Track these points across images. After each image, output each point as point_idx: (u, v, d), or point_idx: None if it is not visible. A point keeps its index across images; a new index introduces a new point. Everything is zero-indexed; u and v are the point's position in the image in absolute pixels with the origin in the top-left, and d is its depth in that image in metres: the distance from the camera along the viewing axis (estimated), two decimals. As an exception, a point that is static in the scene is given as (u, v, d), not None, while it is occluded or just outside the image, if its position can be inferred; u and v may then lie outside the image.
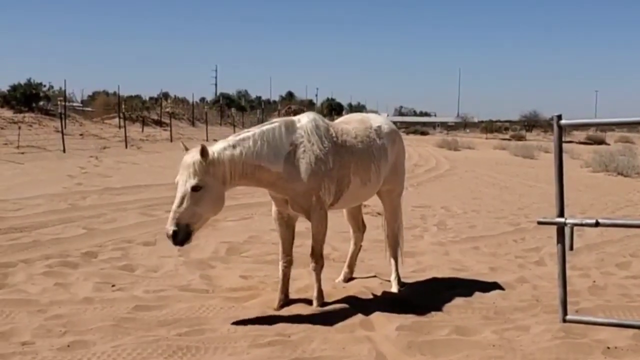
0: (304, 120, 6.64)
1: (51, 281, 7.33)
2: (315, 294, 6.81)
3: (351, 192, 6.93)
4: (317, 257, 6.76)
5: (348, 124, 7.24)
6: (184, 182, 5.71)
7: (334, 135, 6.73)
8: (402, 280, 7.92)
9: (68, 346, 5.41)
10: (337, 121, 7.48)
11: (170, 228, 5.61)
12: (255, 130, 6.35)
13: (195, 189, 5.68)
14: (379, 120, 7.67)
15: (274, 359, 5.29)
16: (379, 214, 13.32)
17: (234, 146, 6.13)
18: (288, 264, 6.87)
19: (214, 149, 6.04)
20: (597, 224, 5.34)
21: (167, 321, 6.18)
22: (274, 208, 6.88)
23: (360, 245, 8.11)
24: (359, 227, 8.07)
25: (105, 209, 12.37)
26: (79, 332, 5.74)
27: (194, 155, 5.79)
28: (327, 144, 6.54)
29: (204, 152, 5.78)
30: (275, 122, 6.50)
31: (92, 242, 9.37)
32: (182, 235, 5.66)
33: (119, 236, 9.93)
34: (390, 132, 7.58)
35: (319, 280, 6.82)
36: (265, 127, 6.39)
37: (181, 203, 5.67)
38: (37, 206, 12.21)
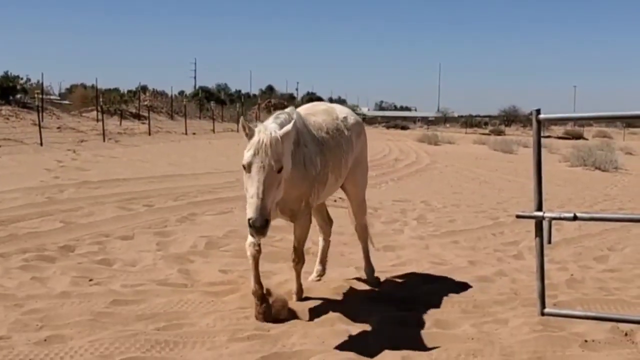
0: (294, 116, 6.20)
1: (28, 275, 7.23)
2: (295, 288, 6.76)
3: (326, 190, 6.83)
4: (300, 255, 6.60)
5: (315, 116, 6.93)
6: (265, 164, 5.11)
7: (314, 133, 6.52)
8: (381, 273, 7.93)
9: (45, 340, 5.34)
10: (302, 112, 6.86)
11: (262, 218, 4.99)
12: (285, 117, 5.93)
13: (280, 170, 5.21)
14: (344, 111, 7.49)
15: (253, 353, 5.26)
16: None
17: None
18: (259, 251, 6.18)
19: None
20: (575, 218, 5.36)
21: (145, 315, 6.13)
22: None
23: (329, 240, 7.89)
24: (326, 221, 7.87)
25: (82, 202, 12.23)
26: (55, 327, 5.68)
27: (272, 134, 5.25)
28: (313, 144, 6.34)
29: (287, 133, 5.40)
30: (286, 115, 6.05)
31: (69, 236, 9.27)
32: (268, 225, 5.11)
33: (96, 230, 9.83)
34: (355, 123, 7.41)
35: (299, 277, 6.76)
36: (282, 117, 5.95)
37: (265, 188, 5.07)
38: (13, 200, 12.06)
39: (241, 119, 5.48)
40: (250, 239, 5.90)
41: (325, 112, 7.17)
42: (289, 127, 5.43)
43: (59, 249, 8.48)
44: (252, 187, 5.09)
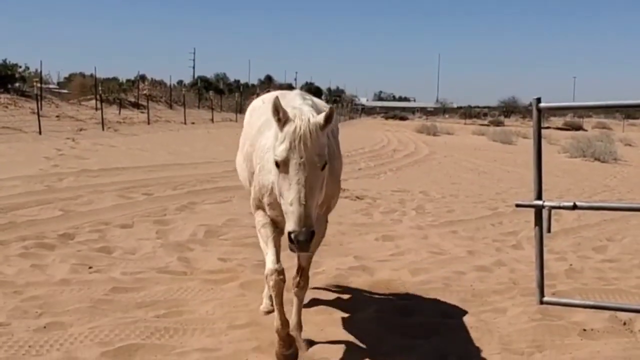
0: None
1: (27, 263, 7.24)
2: (294, 321, 5.31)
3: None
4: (307, 278, 5.36)
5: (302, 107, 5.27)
6: (306, 159, 4.06)
7: None
8: (379, 262, 7.97)
9: (44, 327, 5.36)
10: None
11: (307, 230, 3.96)
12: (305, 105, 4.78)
13: (324, 167, 4.20)
14: (317, 100, 6.11)
15: (253, 341, 5.28)
16: (357, 197, 13.36)
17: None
18: (284, 275, 4.86)
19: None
20: (574, 207, 5.34)
21: (145, 303, 6.15)
22: (261, 216, 5.11)
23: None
24: None
25: (82, 191, 12.23)
26: (55, 314, 5.69)
27: (311, 120, 4.21)
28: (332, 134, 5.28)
29: (330, 117, 4.25)
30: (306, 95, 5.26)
31: (68, 224, 9.27)
32: (314, 237, 4.06)
33: (96, 218, 9.83)
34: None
35: (301, 306, 5.43)
36: (307, 97, 5.19)
37: (308, 190, 4.02)
38: (13, 187, 12.05)
39: (274, 98, 4.23)
40: (270, 265, 4.83)
41: (305, 100, 5.52)
42: (328, 111, 4.29)
43: (58, 237, 8.48)
44: (290, 190, 4.04)
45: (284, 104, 4.32)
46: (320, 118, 4.23)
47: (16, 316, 5.58)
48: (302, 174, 4.03)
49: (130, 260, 7.71)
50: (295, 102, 4.78)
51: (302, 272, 5.31)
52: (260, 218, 5.07)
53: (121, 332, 5.34)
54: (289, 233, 3.96)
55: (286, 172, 4.08)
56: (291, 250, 4.06)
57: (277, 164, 4.13)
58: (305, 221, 3.95)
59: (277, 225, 4.99)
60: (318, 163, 4.10)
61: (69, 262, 7.35)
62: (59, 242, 8.27)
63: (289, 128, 4.14)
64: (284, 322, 4.93)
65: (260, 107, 5.88)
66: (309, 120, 4.18)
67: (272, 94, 5.79)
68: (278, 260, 4.86)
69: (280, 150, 4.12)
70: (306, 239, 3.96)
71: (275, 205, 4.62)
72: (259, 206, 5.05)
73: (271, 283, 4.80)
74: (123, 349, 5.01)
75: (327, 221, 5.37)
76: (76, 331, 5.32)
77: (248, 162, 5.34)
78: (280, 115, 4.19)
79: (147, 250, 8.20)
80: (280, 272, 4.79)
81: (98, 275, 6.97)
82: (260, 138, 5.09)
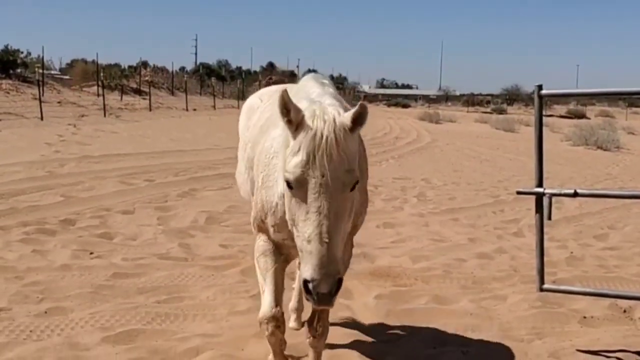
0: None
1: (28, 248, 7.25)
2: None
3: None
4: (327, 323, 4.15)
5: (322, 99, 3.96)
6: (330, 178, 2.96)
7: None
8: (380, 250, 7.98)
9: (45, 312, 5.38)
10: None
11: (332, 278, 2.94)
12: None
13: (354, 187, 3.11)
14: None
15: (253, 326, 5.27)
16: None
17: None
18: (282, 323, 3.88)
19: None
20: (575, 194, 5.35)
21: (146, 289, 6.16)
22: (263, 241, 4.01)
23: None
24: None
25: (83, 177, 12.23)
26: (56, 299, 5.71)
27: (343, 123, 3.08)
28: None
29: (362, 116, 3.10)
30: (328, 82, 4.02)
31: (70, 210, 9.28)
32: (340, 289, 3.03)
33: (97, 204, 9.83)
34: None
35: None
36: (328, 84, 3.94)
37: (333, 222, 2.97)
38: (14, 173, 12.06)
39: (282, 91, 3.07)
40: (266, 309, 3.81)
41: (330, 85, 4.29)
42: (358, 108, 3.08)
43: (59, 223, 8.49)
44: (308, 222, 2.96)
45: (294, 96, 3.27)
46: (348, 119, 3.08)
47: (17, 301, 5.60)
48: (325, 200, 2.94)
49: (131, 246, 7.72)
50: (312, 92, 3.59)
51: (320, 316, 4.05)
52: (261, 243, 3.98)
53: (122, 318, 5.36)
54: (306, 282, 2.92)
55: (302, 195, 2.99)
56: (308, 301, 3.04)
57: (289, 184, 3.04)
58: (329, 267, 2.90)
59: (281, 252, 3.93)
60: (347, 183, 3.01)
61: (70, 248, 7.36)
62: (60, 227, 8.28)
63: (305, 134, 3.02)
64: None
65: (259, 106, 4.88)
66: (334, 120, 3.04)
67: (271, 89, 5.05)
68: (278, 302, 3.82)
69: (293, 166, 3.00)
70: (330, 291, 2.92)
71: (283, 226, 3.53)
72: (261, 228, 3.94)
73: (266, 333, 3.83)
74: (124, 334, 5.03)
75: (352, 245, 4.26)
76: (77, 316, 5.34)
77: (250, 171, 4.31)
78: (292, 115, 3.06)
79: (148, 236, 8.21)
80: (279, 318, 3.79)
81: (99, 261, 6.98)
82: (263, 139, 4.01)
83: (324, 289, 2.90)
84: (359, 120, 3.09)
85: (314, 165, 2.96)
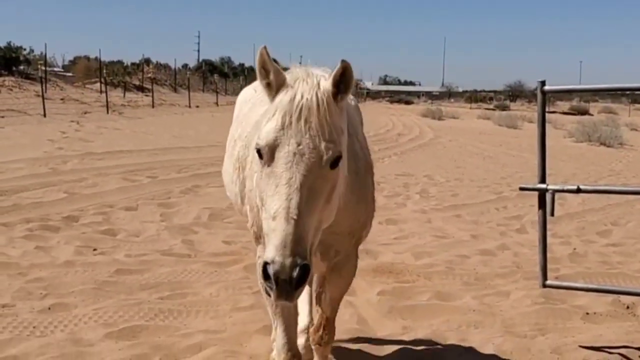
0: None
1: (32, 244, 7.27)
2: None
3: None
4: (333, 329, 4.01)
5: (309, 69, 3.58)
6: (306, 147, 2.60)
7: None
8: (383, 246, 7.98)
9: (49, 309, 5.39)
10: None
11: (293, 260, 2.43)
12: None
13: (335, 163, 2.68)
14: None
15: (256, 322, 5.30)
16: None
17: None
18: (299, 358, 3.56)
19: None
20: (578, 190, 5.35)
21: (149, 285, 6.17)
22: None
23: None
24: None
25: (86, 173, 12.26)
26: (59, 295, 5.72)
27: (327, 88, 2.73)
28: (361, 135, 3.90)
29: (346, 78, 2.74)
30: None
31: (73, 207, 9.29)
32: (307, 277, 2.51)
33: (100, 201, 9.85)
34: None
35: None
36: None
37: (305, 197, 2.54)
38: (17, 170, 12.08)
39: (261, 48, 2.72)
40: (282, 350, 3.48)
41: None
42: (340, 68, 2.72)
43: (62, 219, 8.50)
44: (276, 195, 2.55)
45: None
46: (328, 83, 2.74)
47: (21, 297, 5.62)
48: (298, 172, 2.54)
49: (134, 242, 7.73)
50: (301, 67, 3.04)
51: (326, 321, 3.88)
52: (261, 261, 3.20)
53: (125, 314, 5.37)
54: (265, 264, 2.45)
55: (273, 167, 2.61)
56: (266, 292, 2.57)
57: (260, 153, 2.66)
58: (293, 246, 2.43)
59: None
60: (325, 154, 2.60)
61: (74, 244, 7.38)
62: (64, 224, 8.29)
63: (283, 96, 2.70)
64: None
65: (252, 97, 4.40)
66: (318, 84, 2.72)
67: None
68: (292, 343, 3.47)
69: (266, 131, 2.65)
70: (291, 278, 2.42)
71: None
72: (259, 237, 3.36)
73: None
74: (127, 330, 5.04)
75: (357, 257, 3.82)
76: (80, 312, 5.35)
77: (240, 173, 3.78)
78: (272, 77, 2.76)
79: (151, 232, 8.22)
80: (296, 354, 3.45)
81: (102, 258, 6.99)
82: (255, 135, 3.32)
83: (284, 274, 2.40)
84: (342, 81, 2.71)
85: (289, 130, 2.61)
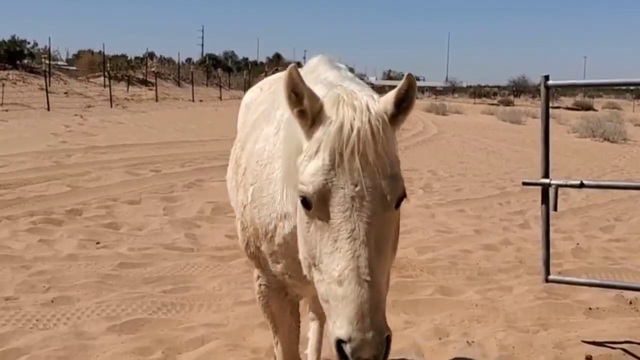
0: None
1: (35, 238, 7.29)
2: None
3: None
4: None
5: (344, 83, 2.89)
6: (369, 187, 2.10)
7: None
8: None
9: (52, 302, 5.40)
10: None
11: (380, 334, 1.98)
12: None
13: (399, 202, 2.23)
14: None
15: (259, 317, 5.28)
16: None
17: None
18: None
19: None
20: (581, 185, 5.34)
21: (152, 278, 6.19)
22: (261, 279, 3.18)
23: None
24: None
25: (90, 167, 12.27)
26: (62, 288, 5.73)
27: (380, 113, 2.22)
28: None
29: (408, 97, 2.26)
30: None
31: (76, 200, 9.31)
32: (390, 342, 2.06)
33: (103, 194, 9.87)
34: None
35: None
36: (343, 68, 2.93)
37: (378, 249, 2.10)
38: (21, 163, 12.10)
39: (290, 67, 2.18)
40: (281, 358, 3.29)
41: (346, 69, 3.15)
42: (404, 84, 2.22)
43: (66, 213, 8.52)
44: (338, 253, 2.06)
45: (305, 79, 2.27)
46: (389, 102, 2.24)
47: (24, 290, 5.63)
48: (361, 220, 2.06)
49: (137, 236, 7.75)
50: (327, 75, 2.68)
51: None
52: (259, 283, 3.20)
53: (128, 307, 5.38)
54: (340, 342, 1.98)
55: (326, 217, 2.10)
56: None
57: (305, 201, 2.14)
58: (372, 317, 1.97)
59: (286, 292, 3.13)
60: (390, 195, 2.14)
61: (77, 238, 7.39)
62: (67, 217, 8.31)
63: (327, 128, 2.15)
64: None
65: (257, 96, 3.98)
66: (367, 107, 2.18)
67: (275, 76, 4.05)
68: (295, 356, 3.28)
69: (312, 173, 2.12)
70: (377, 355, 1.97)
71: (284, 255, 2.81)
72: (256, 258, 3.09)
73: None
74: (130, 324, 5.05)
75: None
76: (83, 306, 5.36)
77: (235, 175, 3.47)
78: (306, 103, 2.19)
79: (154, 226, 8.23)
80: None
81: (105, 251, 7.01)
82: (252, 137, 3.14)
83: (368, 353, 1.93)
84: (406, 99, 2.23)
85: (342, 169, 2.08)
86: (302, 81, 2.17)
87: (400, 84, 2.20)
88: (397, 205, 2.18)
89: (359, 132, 2.09)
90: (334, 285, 2.02)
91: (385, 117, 2.20)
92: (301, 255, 2.28)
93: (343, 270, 2.00)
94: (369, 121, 2.12)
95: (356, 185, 2.07)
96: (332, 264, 2.04)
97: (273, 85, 3.35)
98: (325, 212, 2.09)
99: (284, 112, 2.66)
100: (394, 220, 2.23)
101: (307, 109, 2.19)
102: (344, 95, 2.22)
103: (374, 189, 2.09)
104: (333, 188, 2.08)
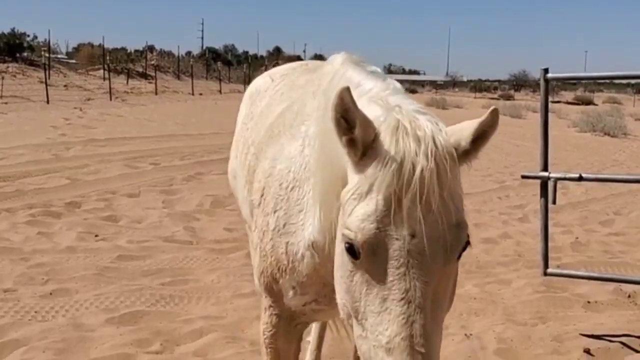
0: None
1: (34, 230, 7.29)
2: None
3: None
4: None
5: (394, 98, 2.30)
6: (430, 239, 1.73)
7: None
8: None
9: (50, 294, 5.41)
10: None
11: None
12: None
13: (460, 254, 1.91)
14: None
15: (257, 309, 5.29)
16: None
17: None
18: None
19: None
20: (580, 178, 5.34)
21: (151, 271, 6.19)
22: (273, 313, 2.82)
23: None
24: None
25: (89, 160, 12.27)
26: (61, 281, 5.74)
27: (449, 147, 1.86)
28: None
29: (489, 132, 1.92)
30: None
31: (75, 193, 9.31)
32: None
33: (102, 187, 9.86)
34: None
35: None
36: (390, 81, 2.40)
37: (434, 310, 1.77)
38: (20, 156, 12.10)
39: (342, 89, 1.77)
40: None
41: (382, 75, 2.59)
42: (489, 118, 1.89)
43: (65, 205, 8.52)
44: (389, 316, 1.72)
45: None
46: (464, 137, 1.91)
47: (23, 282, 5.64)
48: (416, 277, 1.73)
49: (136, 229, 7.75)
50: (369, 86, 2.22)
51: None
52: (271, 312, 2.81)
53: (126, 299, 5.38)
54: None
55: (375, 269, 1.77)
56: None
57: (352, 249, 1.79)
58: None
59: (297, 322, 2.80)
60: (453, 246, 1.84)
61: (76, 230, 7.39)
62: (66, 210, 8.31)
63: (382, 164, 1.77)
64: None
65: (268, 88, 3.52)
66: (434, 141, 1.83)
67: (289, 66, 3.74)
68: None
69: (362, 219, 1.76)
70: None
71: (310, 285, 2.48)
72: (272, 290, 2.70)
73: None
74: (128, 316, 5.05)
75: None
76: (82, 298, 5.36)
77: (248, 185, 2.98)
78: (357, 131, 1.83)
79: (153, 219, 8.23)
80: None
81: (104, 244, 7.01)
82: (271, 150, 2.72)
83: None
84: (484, 135, 1.89)
85: (400, 218, 1.72)
86: (355, 106, 1.79)
87: (482, 118, 1.87)
88: (459, 256, 1.87)
89: (422, 173, 1.72)
90: (381, 352, 1.70)
91: (454, 153, 1.84)
92: (339, 300, 1.92)
93: (393, 338, 1.68)
94: (435, 159, 1.76)
95: (414, 237, 1.71)
96: (380, 327, 1.72)
97: (286, 77, 3.06)
98: (375, 264, 1.75)
99: (309, 127, 2.39)
100: (453, 273, 1.91)
101: (357, 137, 1.81)
102: (405, 122, 1.84)
103: (436, 242, 1.74)
104: (387, 239, 1.73)
